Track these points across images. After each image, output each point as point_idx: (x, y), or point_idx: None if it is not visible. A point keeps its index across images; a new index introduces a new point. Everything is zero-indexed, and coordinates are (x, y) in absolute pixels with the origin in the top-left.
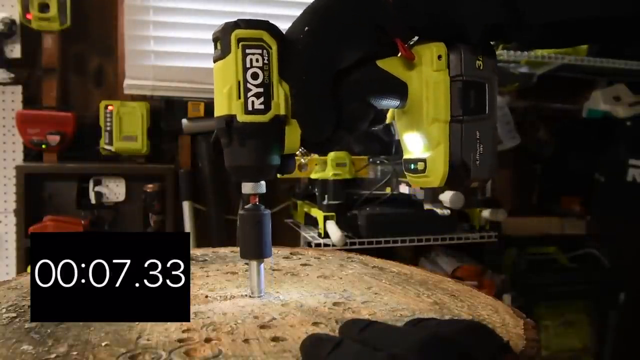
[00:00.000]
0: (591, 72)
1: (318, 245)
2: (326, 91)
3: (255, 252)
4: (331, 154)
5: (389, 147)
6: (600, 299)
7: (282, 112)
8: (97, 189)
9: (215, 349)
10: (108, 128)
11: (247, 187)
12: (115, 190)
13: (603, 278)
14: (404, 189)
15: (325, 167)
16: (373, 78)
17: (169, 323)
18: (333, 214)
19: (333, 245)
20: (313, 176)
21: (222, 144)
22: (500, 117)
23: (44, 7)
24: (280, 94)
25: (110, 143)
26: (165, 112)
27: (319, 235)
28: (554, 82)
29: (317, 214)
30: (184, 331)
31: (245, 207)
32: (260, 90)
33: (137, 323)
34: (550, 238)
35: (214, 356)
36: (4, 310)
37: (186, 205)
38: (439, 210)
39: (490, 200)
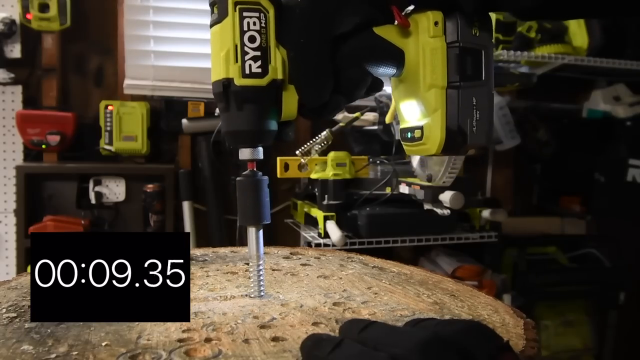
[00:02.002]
0: (591, 72)
1: (318, 245)
2: (324, 56)
3: (253, 217)
4: (331, 154)
5: (389, 147)
6: (600, 299)
7: (280, 76)
8: (97, 189)
9: (215, 349)
10: (108, 128)
11: (244, 153)
12: (115, 190)
13: (603, 278)
14: (404, 189)
15: (325, 167)
16: (370, 44)
17: (169, 323)
18: (333, 214)
19: (333, 245)
20: (313, 176)
21: (219, 109)
22: (500, 117)
23: (44, 7)
24: (278, 58)
25: (110, 143)
26: (165, 112)
27: (319, 235)
28: (554, 82)
29: (317, 214)
30: (184, 331)
31: (243, 173)
32: (258, 53)
33: (137, 323)
34: (550, 238)
35: (214, 356)
36: (4, 310)
37: (186, 205)
38: (439, 210)
39: (490, 200)
